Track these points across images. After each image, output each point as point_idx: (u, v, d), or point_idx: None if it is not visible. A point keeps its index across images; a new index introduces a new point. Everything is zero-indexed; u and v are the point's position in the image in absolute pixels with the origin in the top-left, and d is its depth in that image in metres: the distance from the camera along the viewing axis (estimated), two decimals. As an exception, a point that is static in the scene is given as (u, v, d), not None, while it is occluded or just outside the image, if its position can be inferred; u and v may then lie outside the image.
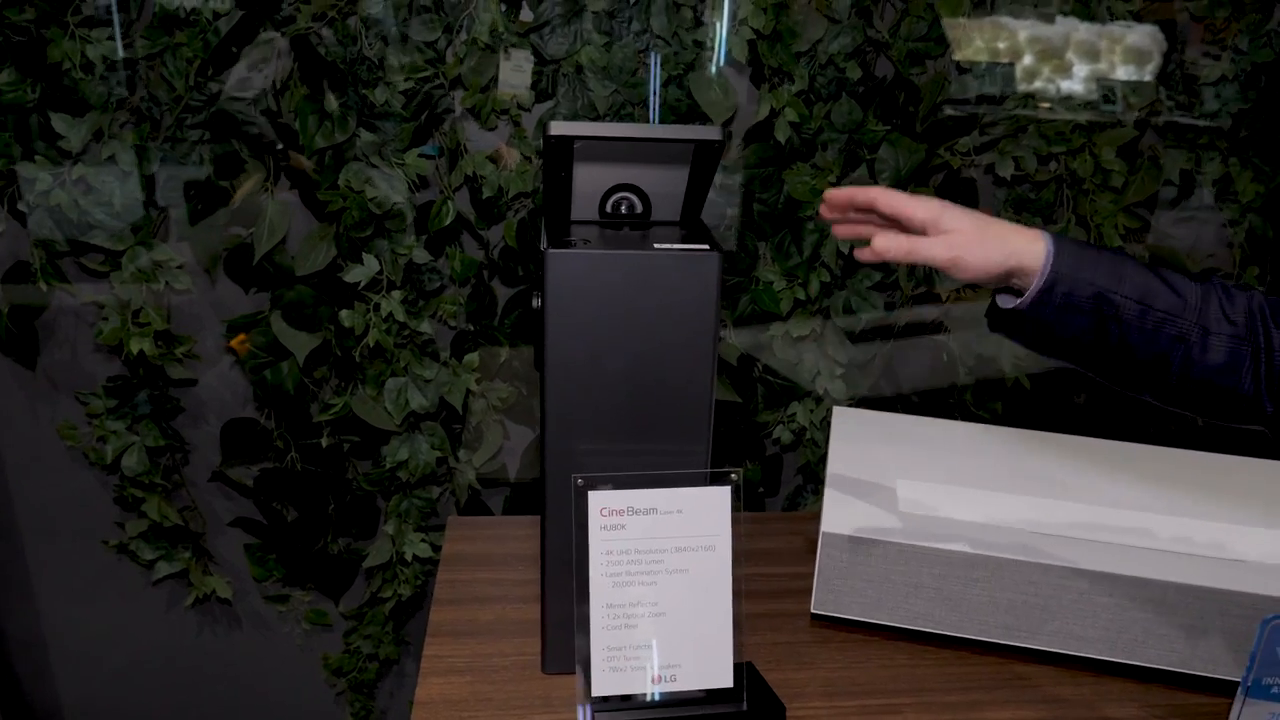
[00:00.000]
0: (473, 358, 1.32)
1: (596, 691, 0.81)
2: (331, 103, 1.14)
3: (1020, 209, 1.33)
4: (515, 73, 1.22)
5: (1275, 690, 0.86)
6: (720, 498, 0.83)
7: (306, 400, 1.31)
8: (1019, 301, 0.77)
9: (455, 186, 1.25)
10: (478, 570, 1.10)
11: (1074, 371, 0.81)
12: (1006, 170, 1.28)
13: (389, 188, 1.20)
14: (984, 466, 1.11)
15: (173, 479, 1.38)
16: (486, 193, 1.26)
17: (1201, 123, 1.31)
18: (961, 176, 1.31)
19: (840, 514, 0.98)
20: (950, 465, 1.11)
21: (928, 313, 1.38)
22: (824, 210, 0.82)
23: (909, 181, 1.28)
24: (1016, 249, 0.75)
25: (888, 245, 0.75)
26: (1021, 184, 1.32)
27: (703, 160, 0.83)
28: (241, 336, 1.31)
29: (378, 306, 1.24)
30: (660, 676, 0.82)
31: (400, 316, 1.24)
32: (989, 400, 1.41)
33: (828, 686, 0.93)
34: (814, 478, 1.45)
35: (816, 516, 1.28)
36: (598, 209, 0.88)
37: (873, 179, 1.28)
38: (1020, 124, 1.28)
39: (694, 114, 1.24)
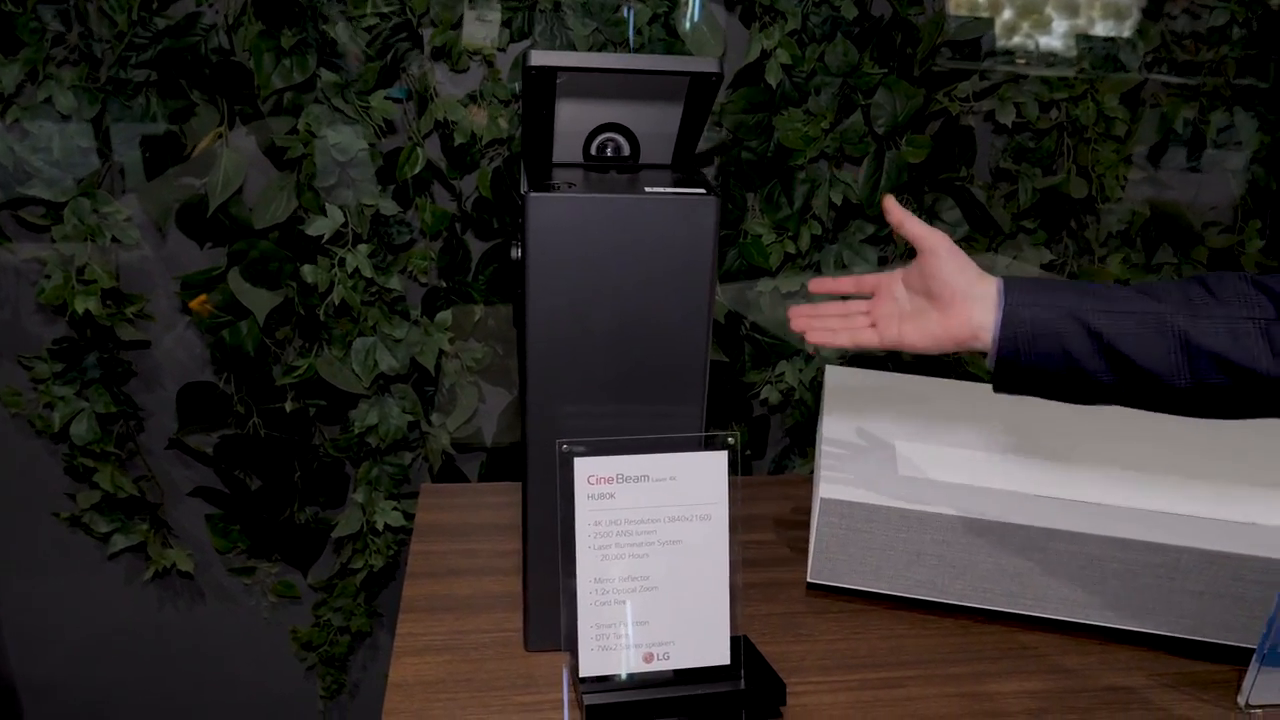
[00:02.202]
0: (445, 316, 1.24)
1: (584, 671, 0.75)
2: (289, 39, 1.05)
3: (1020, 158, 1.27)
4: (479, 24, 1.13)
5: (1291, 658, 0.83)
6: (716, 463, 0.78)
7: (268, 362, 1.24)
8: (990, 351, 0.74)
9: (424, 133, 1.17)
10: (454, 540, 1.04)
11: None
12: (1008, 117, 1.22)
13: (353, 133, 1.11)
14: (984, 427, 1.06)
15: (126, 447, 1.30)
16: (458, 139, 1.18)
17: (1192, 82, 1.26)
18: (960, 124, 1.25)
19: (838, 479, 0.93)
20: (949, 426, 1.06)
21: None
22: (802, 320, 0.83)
23: (906, 128, 1.22)
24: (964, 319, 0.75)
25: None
26: (1022, 131, 1.26)
27: (697, 96, 0.76)
28: (202, 297, 1.22)
29: (343, 261, 1.16)
30: (652, 655, 0.77)
31: (367, 272, 1.16)
32: (982, 356, 1.36)
33: (827, 659, 0.88)
34: (802, 440, 1.40)
35: (808, 480, 1.23)
36: (582, 151, 0.81)
37: (868, 125, 1.21)
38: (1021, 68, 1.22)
39: (682, 52, 1.17)
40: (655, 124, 0.80)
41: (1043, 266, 1.32)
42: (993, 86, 1.23)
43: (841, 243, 1.29)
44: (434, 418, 1.32)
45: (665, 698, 0.76)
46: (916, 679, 0.86)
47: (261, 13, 1.07)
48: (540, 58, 0.70)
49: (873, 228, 1.29)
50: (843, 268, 1.29)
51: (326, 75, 1.09)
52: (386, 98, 1.11)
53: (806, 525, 1.07)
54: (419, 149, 1.16)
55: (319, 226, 1.14)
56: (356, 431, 1.27)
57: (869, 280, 0.82)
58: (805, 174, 1.25)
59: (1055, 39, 1.24)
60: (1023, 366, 0.73)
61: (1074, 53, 1.24)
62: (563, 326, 0.75)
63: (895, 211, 0.79)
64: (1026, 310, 0.72)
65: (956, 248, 0.76)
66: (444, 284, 1.26)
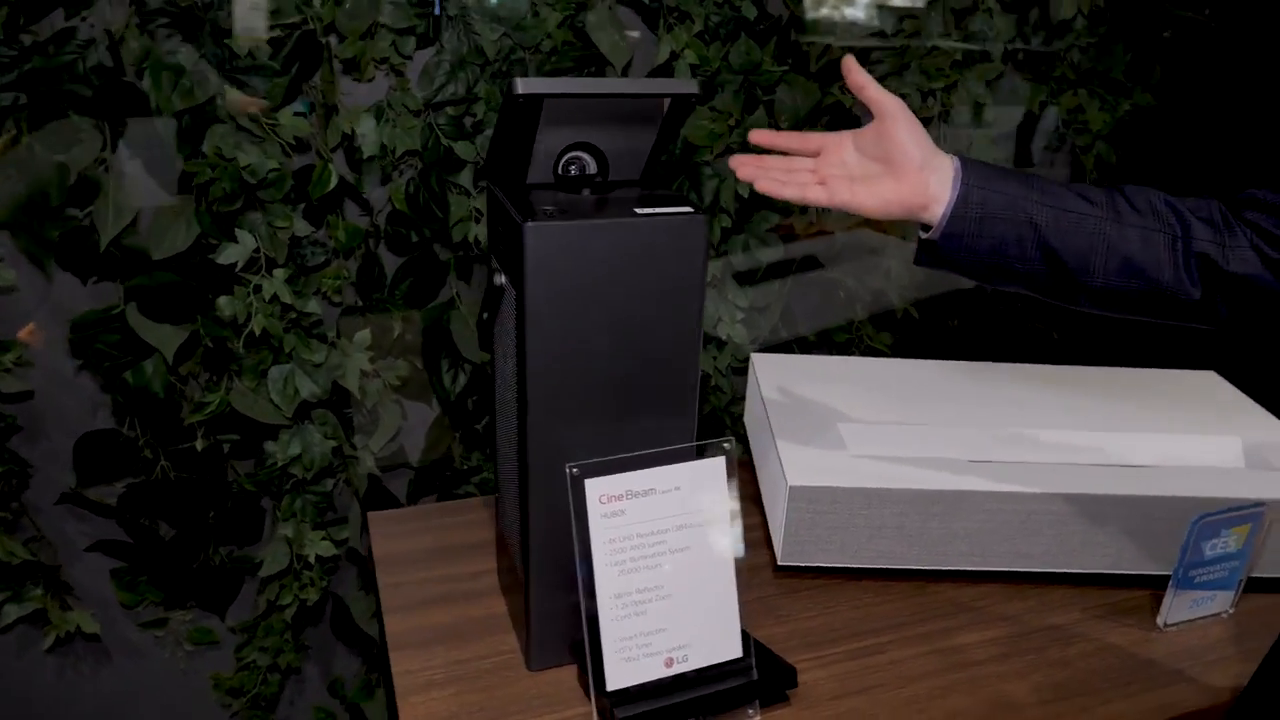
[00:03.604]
0: (364, 335, 1.20)
1: (612, 685, 0.77)
2: (189, 56, 0.97)
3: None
4: (252, 11, 1.05)
5: (1197, 580, 0.96)
6: (715, 469, 0.81)
7: (176, 401, 1.15)
8: (937, 223, 0.78)
9: (332, 147, 1.12)
10: (420, 568, 1.02)
11: (952, 298, 0.83)
12: (895, 107, 1.31)
13: (263, 153, 1.05)
14: (913, 401, 1.15)
15: (10, 507, 1.18)
16: (367, 152, 1.13)
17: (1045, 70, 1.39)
18: (852, 114, 1.32)
19: (799, 466, 0.98)
20: (881, 402, 1.14)
21: (821, 249, 1.40)
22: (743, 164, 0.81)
23: (805, 123, 1.28)
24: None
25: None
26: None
27: (674, 115, 0.77)
28: (30, 327, 1.12)
29: (259, 289, 1.10)
30: (672, 659, 0.80)
31: (287, 298, 1.10)
32: (879, 333, 1.46)
33: (809, 637, 0.94)
34: (721, 426, 1.46)
35: (744, 464, 1.28)
36: (552, 171, 0.81)
37: (771, 120, 1.27)
38: (905, 61, 1.30)
39: (591, 59, 1.17)
40: (626, 141, 0.81)
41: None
42: (880, 78, 1.31)
43: (748, 233, 1.35)
44: (356, 440, 1.28)
45: (689, 699, 0.79)
46: (893, 643, 0.93)
47: (149, 27, 0.99)
48: (528, 85, 0.70)
49: (777, 217, 1.34)
50: (750, 254, 1.35)
51: (230, 93, 1.02)
52: (295, 114, 1.06)
53: (756, 510, 1.12)
54: (330, 165, 1.11)
55: (231, 254, 1.07)
56: (279, 464, 1.21)
57: (814, 139, 0.82)
58: (712, 169, 1.29)
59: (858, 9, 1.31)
60: (959, 245, 0.77)
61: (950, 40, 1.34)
62: (561, 351, 0.75)
63: (856, 74, 0.78)
64: (979, 193, 0.76)
65: (914, 116, 0.78)
66: (359, 302, 1.22)
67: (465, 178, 1.18)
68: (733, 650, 0.82)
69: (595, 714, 0.78)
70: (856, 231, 1.39)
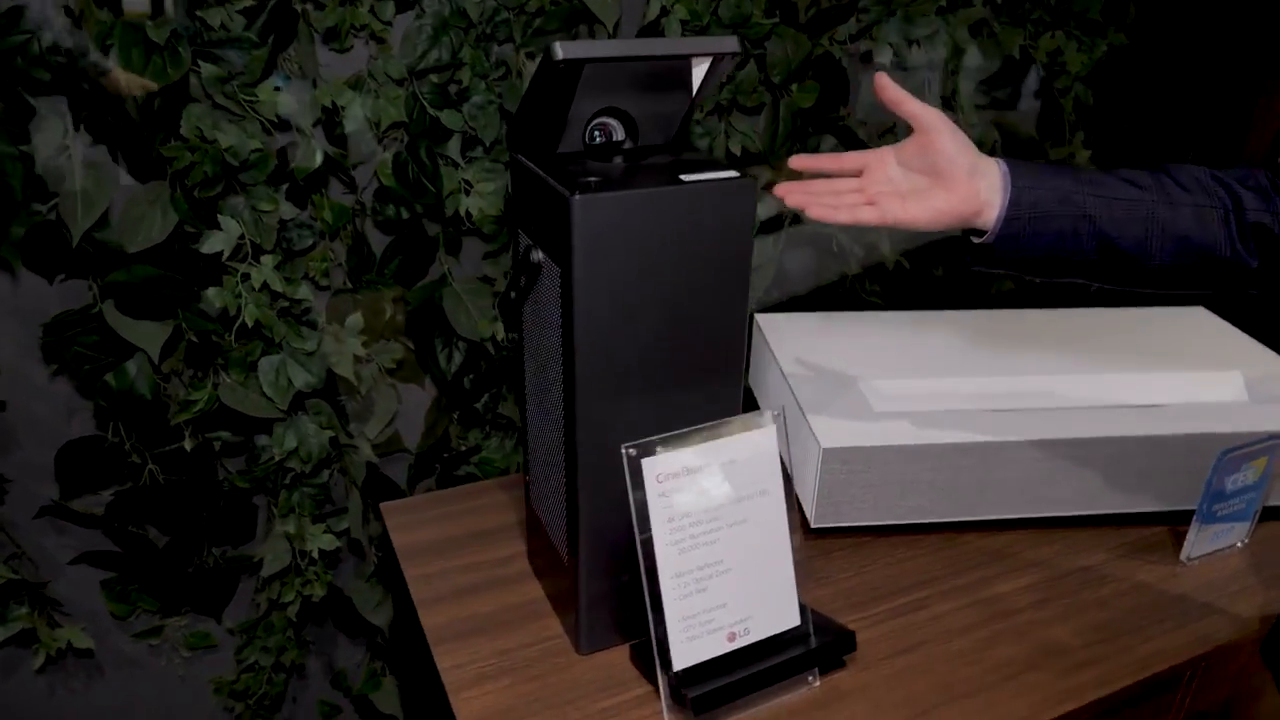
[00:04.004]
0: (356, 319, 1.15)
1: (678, 664, 0.76)
2: (160, 31, 0.90)
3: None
4: None
5: (1219, 514, 0.98)
6: (767, 438, 0.79)
7: (162, 402, 1.09)
8: (991, 228, 0.77)
9: (312, 122, 1.05)
10: (446, 557, 0.98)
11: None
12: (885, 56, 1.29)
13: (243, 132, 0.98)
14: (922, 353, 1.14)
15: (-15, 525, 1.10)
16: (350, 125, 1.07)
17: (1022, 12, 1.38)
18: (840, 65, 1.30)
19: (828, 427, 0.97)
20: (893, 357, 1.13)
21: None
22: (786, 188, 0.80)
23: (797, 76, 1.25)
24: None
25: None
26: (895, 72, 1.33)
27: (711, 74, 0.74)
28: None
29: (247, 277, 1.03)
30: (734, 634, 0.78)
31: (278, 286, 1.04)
32: (869, 285, 1.46)
33: (851, 598, 0.94)
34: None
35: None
36: (580, 139, 0.77)
37: (762, 74, 1.24)
38: (891, 9, 1.28)
39: (578, 16, 1.12)
40: (651, 105, 0.77)
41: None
42: (865, 28, 1.29)
43: (740, 192, 1.32)
44: (351, 428, 1.23)
45: (755, 672, 0.78)
46: (933, 597, 0.94)
47: (108, 2, 0.91)
48: (567, 50, 0.66)
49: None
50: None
51: (207, 69, 0.94)
52: (276, 89, 0.99)
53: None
54: (313, 142, 1.04)
55: (216, 242, 1.00)
56: (275, 459, 1.15)
57: (851, 158, 0.81)
58: (703, 127, 1.26)
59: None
60: (1015, 246, 0.78)
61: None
62: (609, 326, 0.72)
63: (890, 89, 0.77)
64: (1031, 193, 0.76)
65: (954, 125, 0.78)
66: (349, 284, 1.16)
67: (453, 148, 1.13)
68: (791, 619, 0.81)
69: (663, 695, 0.76)
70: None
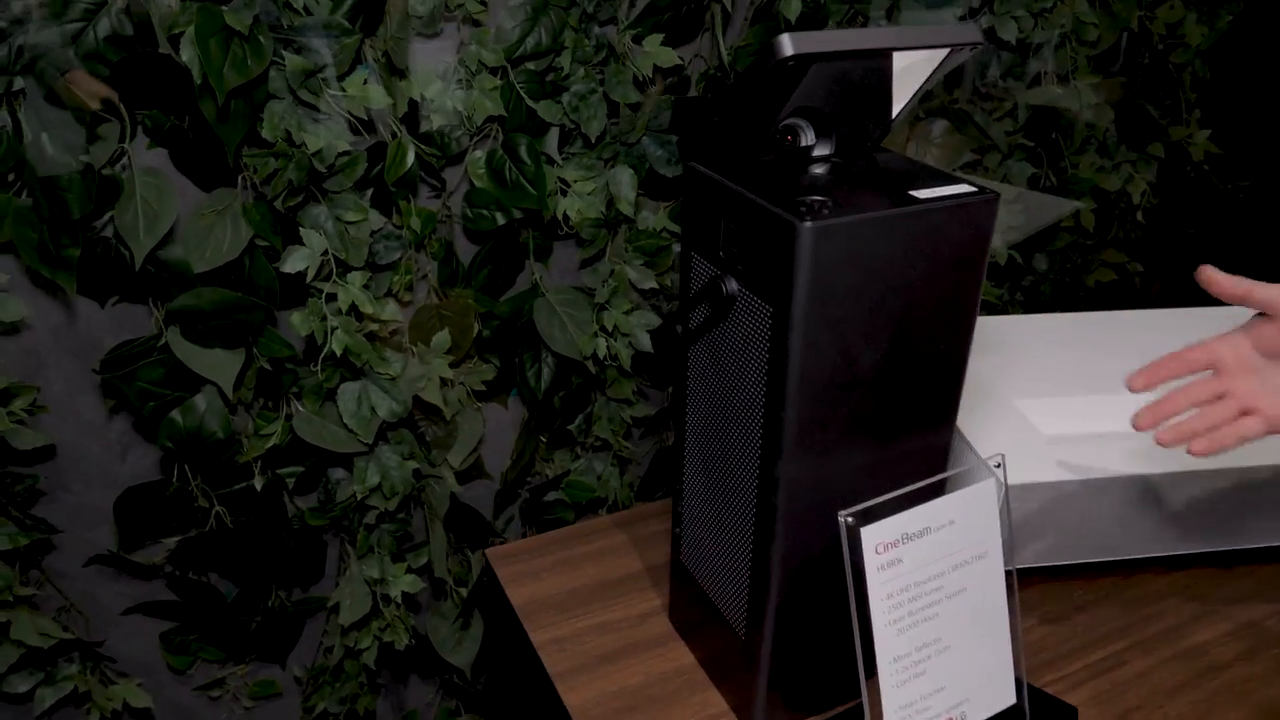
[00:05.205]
0: (443, 337, 1.02)
1: (898, 762, 0.65)
2: (242, 17, 0.76)
3: (1006, 75, 1.23)
4: None
5: None
6: (987, 494, 0.68)
7: (234, 439, 0.96)
8: None
9: (400, 117, 0.92)
10: (575, 616, 0.87)
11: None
12: (1010, 33, 1.17)
13: (329, 133, 0.85)
14: (1063, 362, 1.03)
15: (30, 575, 0.98)
16: (436, 122, 0.94)
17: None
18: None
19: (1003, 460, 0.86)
20: (1038, 367, 1.02)
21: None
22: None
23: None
24: None
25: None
26: (1014, 51, 1.21)
27: (940, 68, 0.62)
28: None
29: (333, 298, 0.91)
30: (951, 719, 0.68)
31: (367, 308, 0.91)
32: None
33: (1042, 653, 0.83)
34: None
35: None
36: (774, 144, 0.65)
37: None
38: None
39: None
40: (855, 103, 0.65)
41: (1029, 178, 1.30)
42: (988, 1, 1.17)
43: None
44: (433, 457, 1.11)
45: (978, 764, 0.67)
46: (1131, 650, 0.84)
47: (177, -18, 0.77)
48: (797, 43, 0.53)
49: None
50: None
51: (292, 61, 0.81)
52: (364, 82, 0.85)
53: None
54: (403, 141, 0.91)
55: (299, 259, 0.87)
56: (356, 496, 1.03)
57: (1196, 356, 0.70)
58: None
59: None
60: None
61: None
62: (828, 377, 0.60)
63: (1229, 285, 0.67)
64: None
65: None
66: (436, 299, 1.04)
67: (550, 144, 1.00)
68: (1008, 697, 0.71)
69: (880, 796, 0.65)
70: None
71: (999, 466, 0.68)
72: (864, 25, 1.12)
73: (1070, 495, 0.85)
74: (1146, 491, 0.86)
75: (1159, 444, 0.71)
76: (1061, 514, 0.86)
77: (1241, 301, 0.68)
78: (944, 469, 0.71)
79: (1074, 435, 0.90)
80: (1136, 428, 0.71)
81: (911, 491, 0.64)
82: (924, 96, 1.19)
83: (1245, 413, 0.68)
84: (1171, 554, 0.91)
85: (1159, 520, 0.88)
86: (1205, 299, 0.70)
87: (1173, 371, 0.71)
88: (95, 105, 0.79)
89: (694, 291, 0.67)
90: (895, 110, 0.66)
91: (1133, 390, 0.72)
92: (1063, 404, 0.96)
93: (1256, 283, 0.67)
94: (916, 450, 0.68)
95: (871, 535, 0.62)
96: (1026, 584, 0.91)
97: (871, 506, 0.63)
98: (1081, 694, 0.79)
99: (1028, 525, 0.86)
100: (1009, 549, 0.69)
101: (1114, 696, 0.79)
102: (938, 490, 0.66)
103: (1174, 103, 1.38)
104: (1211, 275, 0.67)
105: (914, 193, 0.59)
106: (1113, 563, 0.92)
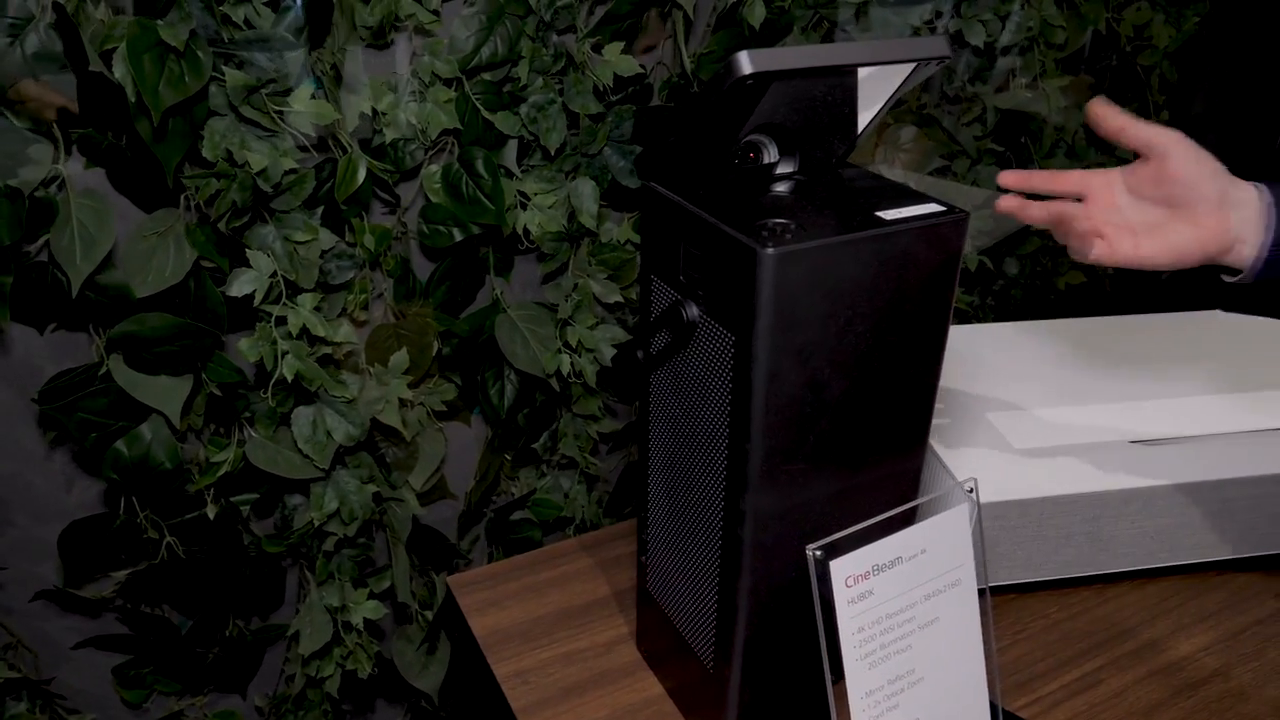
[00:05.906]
0: (401, 357, 0.99)
1: (871, 800, 0.63)
2: (177, 31, 0.72)
3: (975, 78, 1.21)
4: None
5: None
6: (960, 519, 0.66)
7: (183, 469, 0.92)
8: (1249, 265, 0.66)
9: (350, 133, 0.89)
10: (535, 646, 0.84)
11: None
12: (978, 37, 1.15)
13: (274, 150, 0.81)
14: (1033, 373, 1.01)
15: (-26, 616, 0.94)
16: (390, 135, 0.91)
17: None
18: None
19: (972, 475, 0.84)
20: (1006, 377, 1.00)
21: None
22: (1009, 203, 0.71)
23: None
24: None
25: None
26: (982, 55, 1.20)
27: (907, 82, 0.60)
28: None
29: (283, 321, 0.87)
30: (926, 752, 0.66)
31: (319, 330, 0.88)
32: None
33: (1016, 674, 0.82)
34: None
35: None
36: (733, 159, 0.63)
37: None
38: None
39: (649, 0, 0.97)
40: (813, 118, 0.63)
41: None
42: (955, 5, 1.15)
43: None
44: (394, 479, 1.07)
45: (954, 797, 0.65)
46: (1106, 668, 0.82)
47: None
48: (756, 60, 0.51)
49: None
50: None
51: (233, 76, 0.77)
52: (312, 96, 0.82)
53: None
54: (354, 157, 0.88)
55: (246, 282, 0.84)
56: (316, 523, 0.99)
57: (1070, 180, 0.70)
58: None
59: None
60: None
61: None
62: (793, 405, 0.58)
63: (1112, 118, 0.66)
64: None
65: (1195, 145, 0.66)
66: (391, 317, 1.00)
67: (508, 156, 0.97)
68: (984, 725, 0.69)
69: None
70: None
71: (971, 491, 0.66)
72: (830, 29, 1.10)
73: (1043, 510, 0.83)
74: (1120, 505, 0.85)
75: (997, 208, 0.71)
76: (1034, 529, 0.85)
77: (1116, 137, 0.67)
78: (916, 493, 0.69)
79: (1046, 449, 0.89)
80: (1000, 182, 0.71)
81: (881, 521, 0.62)
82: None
83: (1095, 235, 0.68)
84: (1146, 567, 0.90)
85: (1133, 534, 0.87)
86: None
87: (1044, 182, 0.71)
88: (50, 115, 0.76)
89: (654, 316, 0.65)
90: (861, 125, 0.64)
91: (1001, 185, 0.72)
92: (1035, 416, 0.95)
93: (1135, 121, 0.67)
94: (888, 476, 0.66)
95: (841, 568, 0.60)
96: (1000, 601, 0.89)
97: (843, 539, 0.61)
98: (1058, 716, 0.77)
99: (1000, 542, 0.84)
100: (982, 572, 0.67)
101: (1095, 714, 0.77)
102: (909, 518, 0.64)
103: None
104: (1099, 109, 0.67)
105: (881, 213, 0.57)
106: (1086, 577, 0.90)
